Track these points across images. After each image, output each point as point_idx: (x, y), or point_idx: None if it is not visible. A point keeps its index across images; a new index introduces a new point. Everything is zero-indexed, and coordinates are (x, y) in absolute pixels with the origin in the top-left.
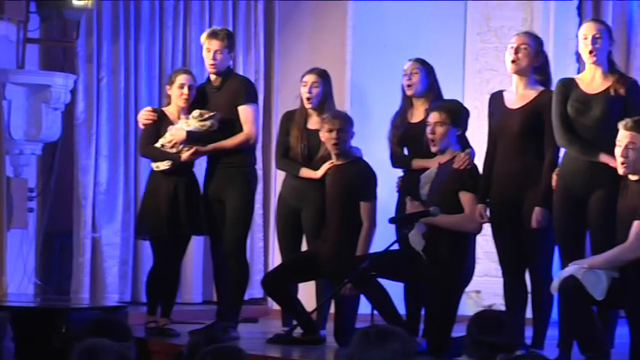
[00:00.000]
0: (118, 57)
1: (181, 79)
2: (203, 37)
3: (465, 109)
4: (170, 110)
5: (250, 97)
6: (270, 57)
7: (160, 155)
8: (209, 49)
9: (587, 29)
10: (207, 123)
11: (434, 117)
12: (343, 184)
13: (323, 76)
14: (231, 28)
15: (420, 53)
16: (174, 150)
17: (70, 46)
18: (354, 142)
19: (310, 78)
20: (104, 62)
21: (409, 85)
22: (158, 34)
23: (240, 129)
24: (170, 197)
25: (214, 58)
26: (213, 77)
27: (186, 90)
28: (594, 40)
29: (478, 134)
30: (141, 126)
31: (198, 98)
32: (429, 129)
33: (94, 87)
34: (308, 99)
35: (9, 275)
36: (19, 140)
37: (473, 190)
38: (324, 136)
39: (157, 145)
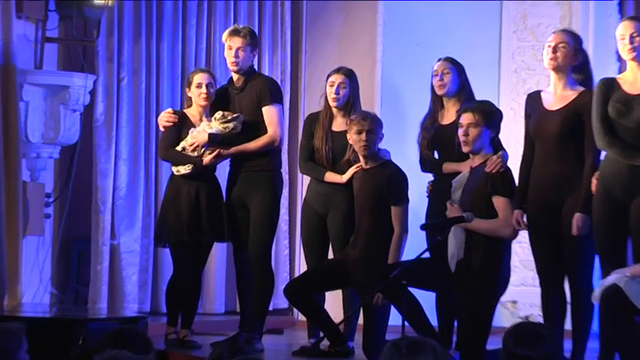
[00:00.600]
0: (140, 57)
1: (198, 78)
2: (225, 35)
3: (499, 110)
4: (191, 112)
5: (275, 98)
6: (298, 57)
7: (181, 159)
8: (231, 46)
9: (625, 28)
10: (230, 125)
11: (467, 118)
12: (372, 188)
13: (350, 76)
14: (256, 27)
15: (453, 52)
16: (195, 153)
17: (89, 46)
18: (382, 145)
19: (337, 78)
20: (125, 62)
21: (440, 86)
22: (181, 33)
23: (264, 131)
24: (191, 203)
25: (236, 56)
26: (235, 77)
27: (204, 89)
28: (632, 38)
29: (514, 136)
30: (161, 128)
31: (221, 100)
32: (461, 130)
33: (114, 88)
34: (334, 99)
35: (24, 284)
36: (37, 143)
37: (507, 194)
38: (352, 137)
39: (178, 148)
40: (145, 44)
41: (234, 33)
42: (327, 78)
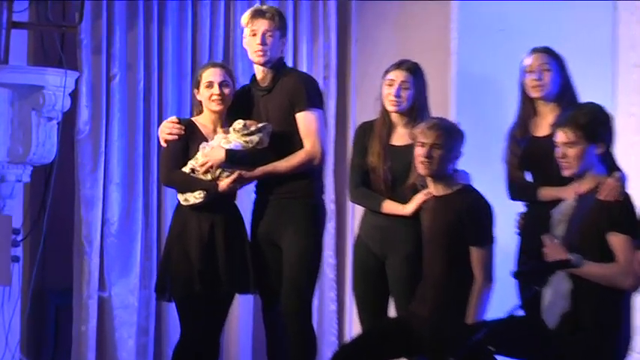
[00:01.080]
0: (136, 47)
1: (209, 75)
2: (245, 17)
3: (606, 115)
4: (202, 121)
5: (313, 101)
6: (345, 47)
7: (190, 184)
8: (254, 31)
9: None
10: (255, 138)
11: (561, 137)
12: (446, 223)
13: (415, 73)
14: (290, 8)
15: (550, 40)
16: (209, 176)
17: (69, 33)
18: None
19: (398, 75)
20: (116, 54)
21: (537, 87)
22: (190, 15)
23: (300, 145)
24: (204, 242)
25: (262, 42)
26: (261, 74)
27: (217, 89)
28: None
29: (635, 152)
30: (163, 143)
31: (242, 104)
32: (557, 151)
33: (102, 88)
34: (394, 103)
35: None
36: (0, 162)
37: (627, 230)
38: (417, 154)
39: (186, 169)
40: (142, 31)
41: (258, 14)
42: (385, 75)
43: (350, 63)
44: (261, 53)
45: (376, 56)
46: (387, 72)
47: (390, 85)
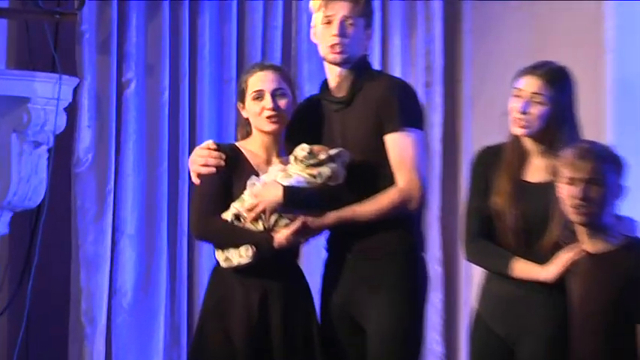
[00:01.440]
0: (159, 43)
1: (258, 81)
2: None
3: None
4: (251, 147)
5: (410, 118)
6: (454, 42)
7: (234, 237)
8: (329, 18)
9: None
10: (325, 170)
11: None
12: (609, 292)
13: (553, 81)
14: None
15: None
16: (260, 225)
17: (66, 23)
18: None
19: (529, 83)
20: (132, 52)
21: None
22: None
23: (390, 180)
24: (253, 320)
25: (341, 33)
26: (336, 80)
27: (268, 100)
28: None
29: None
30: (195, 179)
31: (307, 122)
32: None
33: (111, 101)
34: (522, 122)
35: None
36: None
37: None
38: (566, 195)
39: (227, 215)
40: (167, 20)
41: None
42: (514, 82)
43: (462, 64)
44: (338, 48)
45: (501, 54)
46: (516, 78)
47: (518, 97)
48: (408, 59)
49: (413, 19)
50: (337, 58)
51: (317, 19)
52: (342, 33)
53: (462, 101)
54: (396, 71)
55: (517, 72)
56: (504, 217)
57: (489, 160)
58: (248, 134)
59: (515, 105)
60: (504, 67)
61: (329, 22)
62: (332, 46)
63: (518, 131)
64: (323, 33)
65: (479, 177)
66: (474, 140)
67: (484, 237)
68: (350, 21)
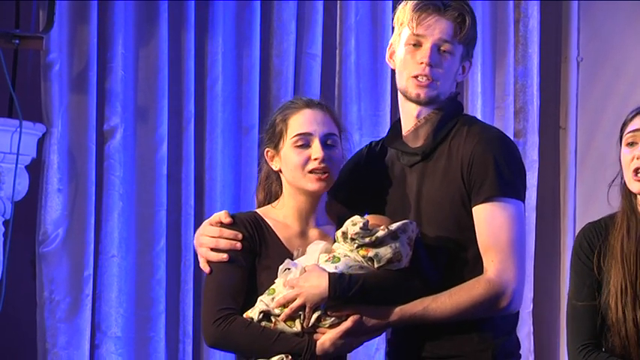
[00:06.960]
0: (155, 80)
1: (304, 121)
2: (403, 11)
3: None
4: (277, 215)
5: (509, 185)
6: (557, 73)
7: (262, 342)
8: (419, 38)
9: None
10: (386, 252)
11: None
12: None
13: None
14: None
15: None
16: (296, 325)
17: (28, 49)
18: None
19: None
20: (116, 92)
21: None
22: (259, 15)
23: (476, 266)
24: None
25: (434, 62)
26: (412, 123)
27: (318, 149)
28: None
29: None
30: (204, 266)
31: (364, 180)
32: None
33: (90, 155)
34: (636, 180)
35: None
36: None
37: None
38: (622, 160)
39: (253, 313)
40: (166, 47)
41: (433, 8)
42: (624, 127)
43: (568, 103)
44: (426, 80)
45: (621, 88)
46: (630, 119)
47: (632, 146)
48: (492, 95)
49: (501, 52)
50: (422, 93)
51: (402, 36)
52: (434, 61)
53: (567, 156)
54: (477, 111)
55: (629, 112)
56: (621, 321)
57: (597, 240)
58: (275, 197)
59: (630, 154)
60: (615, 105)
61: (418, 45)
62: (417, 77)
63: (638, 187)
64: (407, 57)
65: (583, 266)
66: (580, 209)
67: (595, 346)
68: (446, 47)
